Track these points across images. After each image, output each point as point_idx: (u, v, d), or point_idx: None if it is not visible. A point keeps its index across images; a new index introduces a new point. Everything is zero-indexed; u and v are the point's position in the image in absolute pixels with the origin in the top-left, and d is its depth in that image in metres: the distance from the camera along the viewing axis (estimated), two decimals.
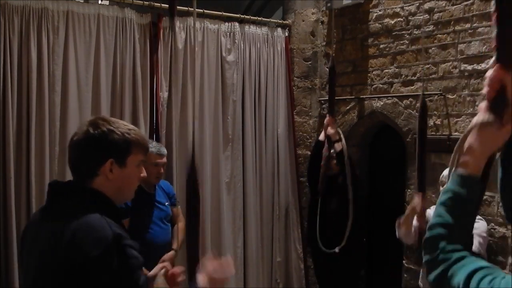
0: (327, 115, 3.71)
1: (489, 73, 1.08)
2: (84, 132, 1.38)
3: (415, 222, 2.75)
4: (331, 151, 3.61)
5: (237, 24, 4.03)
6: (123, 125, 1.43)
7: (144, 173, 1.49)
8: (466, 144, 1.10)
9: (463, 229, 1.06)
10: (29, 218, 3.09)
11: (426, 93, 3.39)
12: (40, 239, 1.34)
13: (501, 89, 1.06)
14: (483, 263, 0.97)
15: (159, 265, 1.72)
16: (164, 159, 3.08)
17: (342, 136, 3.63)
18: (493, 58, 1.10)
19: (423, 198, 2.70)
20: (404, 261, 3.56)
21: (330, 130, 3.60)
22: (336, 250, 3.49)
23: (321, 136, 3.75)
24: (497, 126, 1.06)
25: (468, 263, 0.98)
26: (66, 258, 1.25)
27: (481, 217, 2.88)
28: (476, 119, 1.11)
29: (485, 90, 1.10)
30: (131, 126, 1.46)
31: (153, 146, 2.99)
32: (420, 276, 3.10)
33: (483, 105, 1.10)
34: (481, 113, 1.10)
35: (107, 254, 1.24)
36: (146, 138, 1.56)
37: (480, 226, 2.78)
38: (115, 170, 1.38)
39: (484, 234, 2.81)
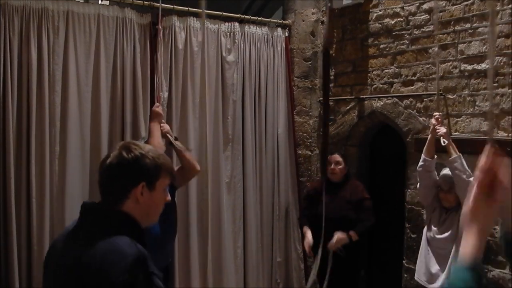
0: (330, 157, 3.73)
1: (482, 159, 1.13)
2: (117, 155, 1.41)
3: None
4: (334, 155, 3.72)
5: (237, 24, 4.03)
6: (152, 150, 1.48)
7: (169, 197, 1.52)
8: (464, 236, 1.11)
9: None
10: (29, 218, 3.10)
11: (426, 93, 3.40)
12: (68, 259, 1.35)
13: (493, 176, 1.11)
14: None
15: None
16: None
17: None
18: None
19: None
20: (404, 261, 3.56)
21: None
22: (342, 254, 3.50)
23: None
24: (489, 204, 1.09)
25: None
26: (94, 281, 1.27)
27: None
28: (466, 208, 1.12)
29: (477, 177, 1.14)
30: (160, 151, 1.51)
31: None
32: (417, 270, 3.09)
33: (474, 190, 1.13)
34: (472, 199, 1.12)
35: (135, 279, 1.26)
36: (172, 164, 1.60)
37: None
38: (145, 194, 1.41)
39: None
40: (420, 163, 2.97)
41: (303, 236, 3.79)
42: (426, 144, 2.96)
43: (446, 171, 2.92)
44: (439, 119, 2.95)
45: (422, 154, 2.96)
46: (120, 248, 1.29)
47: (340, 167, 3.62)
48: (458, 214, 2.69)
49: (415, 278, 3.09)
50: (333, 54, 4.09)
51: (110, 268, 1.26)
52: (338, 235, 3.45)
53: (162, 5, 3.49)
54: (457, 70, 3.20)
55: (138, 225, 1.42)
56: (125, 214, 1.40)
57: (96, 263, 1.27)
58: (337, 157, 3.65)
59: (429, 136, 2.95)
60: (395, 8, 3.62)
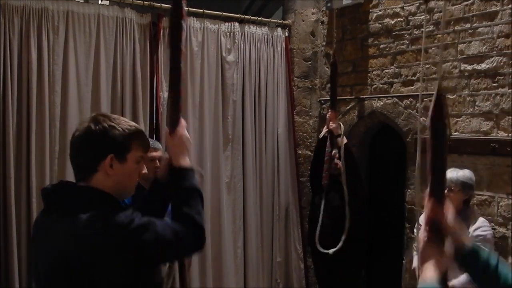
0: (329, 110, 3.73)
1: (425, 209, 1.30)
2: (85, 128, 1.39)
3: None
4: (333, 151, 3.62)
5: (237, 24, 4.03)
6: (124, 121, 1.44)
7: (145, 170, 1.50)
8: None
9: None
10: (29, 218, 3.09)
11: (426, 93, 3.40)
12: (47, 241, 1.36)
13: (438, 224, 1.27)
14: None
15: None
16: (159, 153, 3.07)
17: (342, 130, 3.67)
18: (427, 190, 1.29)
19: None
20: (404, 261, 3.56)
21: (332, 124, 3.62)
22: (330, 252, 3.49)
23: (322, 133, 3.77)
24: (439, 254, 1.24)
25: None
26: (75, 252, 1.28)
27: (485, 220, 2.79)
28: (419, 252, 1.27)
29: (424, 228, 1.31)
30: (132, 123, 1.47)
31: None
32: (414, 262, 3.07)
33: (422, 237, 1.29)
34: (423, 245, 1.28)
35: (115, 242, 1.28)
36: (146, 135, 1.57)
37: (490, 232, 2.74)
38: (115, 166, 1.39)
39: (492, 241, 2.76)
40: None
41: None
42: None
43: (449, 172, 2.84)
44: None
45: None
46: (93, 219, 1.29)
47: (340, 161, 3.65)
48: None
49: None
50: (335, 52, 4.08)
51: (86, 238, 1.28)
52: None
53: (162, 5, 3.49)
54: (457, 70, 3.20)
55: (110, 197, 1.39)
56: (91, 189, 1.38)
57: (72, 238, 1.29)
58: (337, 153, 3.66)
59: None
60: (395, 8, 3.62)
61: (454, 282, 2.42)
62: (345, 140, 3.62)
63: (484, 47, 3.05)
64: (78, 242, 1.28)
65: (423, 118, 3.42)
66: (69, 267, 1.29)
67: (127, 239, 1.28)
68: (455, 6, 3.22)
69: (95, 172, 1.39)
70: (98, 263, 1.27)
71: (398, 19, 3.60)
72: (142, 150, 1.46)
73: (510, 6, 2.92)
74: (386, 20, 3.68)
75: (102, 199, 1.37)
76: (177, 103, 1.59)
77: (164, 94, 3.62)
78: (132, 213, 1.34)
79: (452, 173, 2.86)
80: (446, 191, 2.81)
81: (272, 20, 4.40)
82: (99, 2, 3.80)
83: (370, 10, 3.81)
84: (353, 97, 3.97)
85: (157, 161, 3.03)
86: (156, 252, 1.34)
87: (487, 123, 3.04)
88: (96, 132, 1.38)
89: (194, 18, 3.77)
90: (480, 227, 2.71)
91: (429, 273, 1.18)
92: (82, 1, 3.40)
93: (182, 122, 1.58)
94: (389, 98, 3.67)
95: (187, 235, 1.39)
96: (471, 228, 2.68)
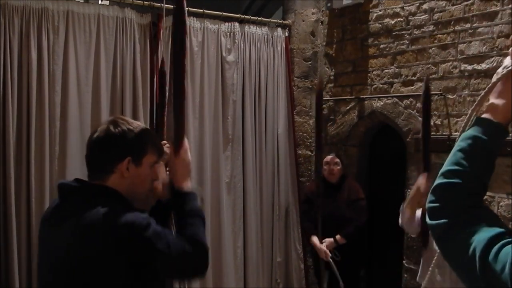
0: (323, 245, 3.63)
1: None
2: (104, 129, 1.42)
3: (418, 212, 2.69)
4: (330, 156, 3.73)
5: (237, 24, 4.03)
6: (141, 126, 1.48)
7: (157, 176, 1.51)
8: (494, 93, 1.01)
9: (481, 182, 0.96)
10: (29, 218, 3.09)
11: None
12: (56, 238, 1.37)
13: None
14: (503, 227, 0.89)
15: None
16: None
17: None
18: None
19: (428, 178, 2.55)
20: (404, 261, 3.56)
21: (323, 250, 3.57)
22: (330, 260, 3.52)
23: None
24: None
25: (487, 226, 0.88)
26: (83, 248, 1.29)
27: None
28: (504, 66, 1.04)
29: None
30: (148, 128, 1.52)
31: None
32: (419, 275, 3.08)
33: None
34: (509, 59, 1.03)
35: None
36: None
37: None
38: (131, 169, 1.42)
39: None
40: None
41: (308, 239, 3.79)
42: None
43: None
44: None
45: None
46: (104, 214, 1.30)
47: (338, 167, 3.67)
48: None
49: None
50: (333, 54, 4.09)
51: (96, 233, 1.28)
52: (325, 243, 3.54)
53: (162, 5, 3.49)
54: (457, 70, 3.20)
55: (124, 198, 1.41)
56: (108, 188, 1.40)
57: (83, 232, 1.30)
58: (334, 158, 3.70)
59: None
60: (395, 8, 3.62)
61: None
62: (343, 241, 3.56)
63: (484, 47, 3.04)
64: (91, 237, 1.29)
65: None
66: (75, 262, 1.30)
67: (140, 241, 1.29)
68: (455, 6, 3.22)
69: (111, 173, 1.41)
70: (103, 260, 1.27)
71: (398, 19, 3.60)
72: (157, 155, 1.49)
73: (510, 6, 2.92)
74: (386, 20, 3.68)
75: (117, 197, 1.40)
76: (181, 123, 1.60)
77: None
78: (148, 217, 1.35)
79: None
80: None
81: (272, 20, 4.40)
82: (99, 2, 3.80)
83: (370, 10, 3.81)
84: (353, 97, 3.97)
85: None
86: (163, 262, 1.34)
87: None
88: (116, 135, 1.41)
89: (194, 18, 3.77)
90: None
91: (503, 104, 1.00)
92: (82, 1, 3.40)
93: (186, 145, 1.60)
94: (389, 98, 3.67)
95: (193, 254, 1.39)
96: None
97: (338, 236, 3.54)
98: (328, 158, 3.70)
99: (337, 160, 3.70)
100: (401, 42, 3.58)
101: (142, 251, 1.29)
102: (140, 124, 1.50)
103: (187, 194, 1.54)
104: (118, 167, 1.41)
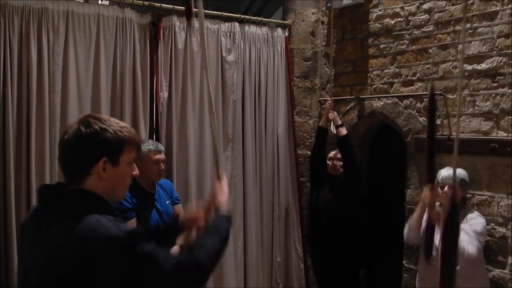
0: (327, 100, 3.82)
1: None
2: (75, 130, 1.33)
3: (425, 216, 2.67)
4: (333, 153, 3.68)
5: (237, 24, 4.02)
6: (115, 123, 1.39)
7: (136, 171, 1.47)
8: None
9: None
10: None
11: (426, 93, 3.40)
12: (40, 243, 1.30)
13: None
14: None
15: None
16: (163, 155, 3.07)
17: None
18: None
19: (432, 189, 2.52)
20: (404, 261, 3.56)
21: (332, 115, 3.70)
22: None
23: (322, 122, 3.82)
24: None
25: None
26: (72, 258, 1.22)
27: (479, 214, 2.86)
28: None
29: None
30: (123, 124, 1.42)
31: (150, 143, 3.00)
32: (417, 279, 3.08)
33: None
34: None
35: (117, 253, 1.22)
36: (139, 135, 1.57)
37: (479, 223, 2.74)
38: (108, 169, 1.35)
39: (485, 233, 2.79)
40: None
41: (303, 235, 3.81)
42: None
43: (444, 171, 2.84)
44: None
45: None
46: (92, 226, 1.22)
47: (340, 163, 3.68)
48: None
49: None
50: (333, 54, 4.09)
51: (86, 244, 1.20)
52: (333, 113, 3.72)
53: (163, 5, 3.49)
54: (457, 70, 3.20)
55: (103, 201, 1.35)
56: (86, 192, 1.33)
57: (72, 240, 1.21)
58: (337, 153, 3.71)
59: None
60: (395, 8, 3.62)
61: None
62: (344, 131, 3.64)
63: (484, 47, 3.05)
64: (75, 248, 1.21)
65: (423, 118, 3.42)
66: (61, 272, 1.22)
67: (128, 258, 1.22)
68: (455, 6, 3.22)
69: (88, 175, 1.34)
70: (92, 271, 1.20)
71: (398, 19, 3.60)
72: (135, 151, 1.42)
73: (510, 6, 2.92)
74: (386, 20, 3.69)
75: (96, 202, 1.33)
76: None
77: (164, 94, 3.62)
78: (139, 232, 1.28)
79: (450, 171, 2.84)
80: (446, 188, 2.83)
81: (272, 20, 4.40)
82: (99, 2, 3.81)
83: (370, 10, 3.81)
84: (353, 97, 3.97)
85: (161, 163, 3.03)
86: (150, 281, 1.26)
87: (487, 123, 3.03)
88: (87, 135, 1.32)
89: (194, 18, 3.75)
90: (474, 218, 2.78)
91: None
92: (82, 1, 3.40)
93: (225, 178, 1.77)
94: (389, 98, 3.67)
95: (188, 270, 1.32)
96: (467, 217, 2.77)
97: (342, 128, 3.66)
98: (332, 153, 3.73)
99: (340, 156, 3.72)
100: (401, 42, 3.58)
101: (129, 266, 1.22)
102: (114, 120, 1.40)
103: (222, 215, 1.62)
104: (94, 168, 1.33)
